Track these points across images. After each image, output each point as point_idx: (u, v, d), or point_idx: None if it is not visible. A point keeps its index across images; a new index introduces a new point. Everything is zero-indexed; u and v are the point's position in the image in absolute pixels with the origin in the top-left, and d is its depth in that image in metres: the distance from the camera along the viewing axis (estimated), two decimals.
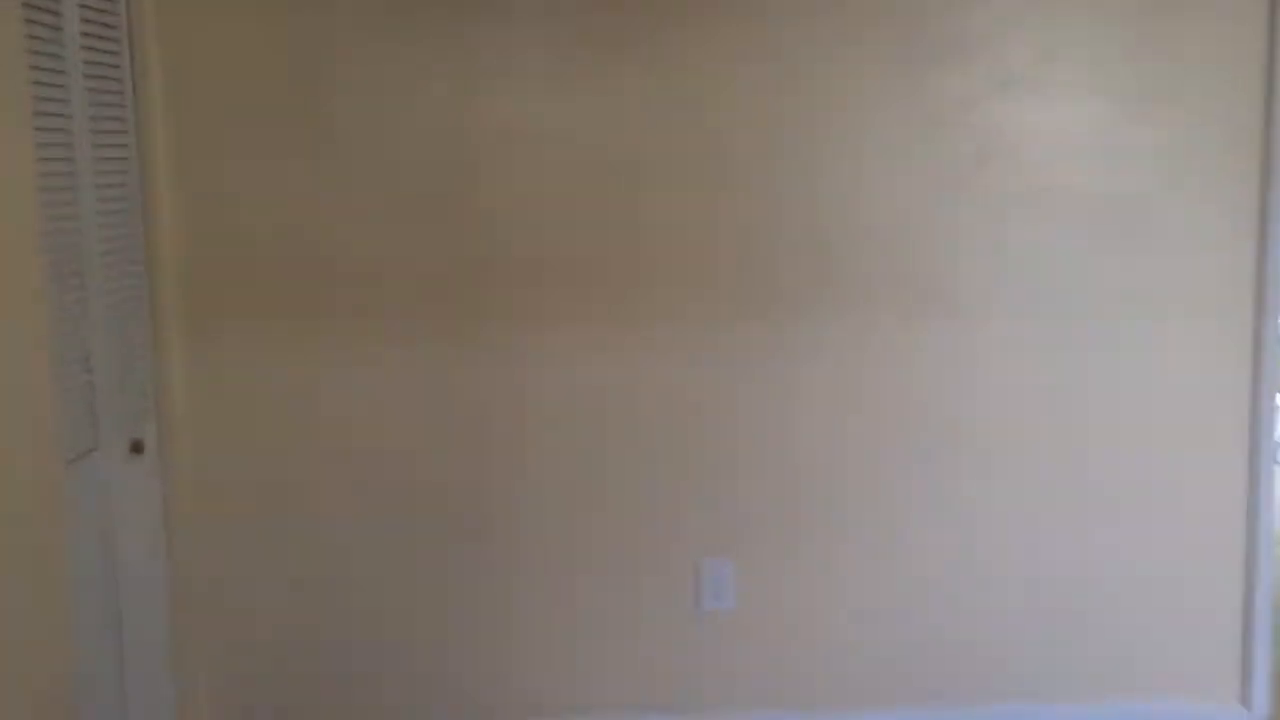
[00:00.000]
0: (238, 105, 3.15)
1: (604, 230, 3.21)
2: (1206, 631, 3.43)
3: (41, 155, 2.54)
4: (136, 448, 3.03)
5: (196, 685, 3.31)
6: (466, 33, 3.13)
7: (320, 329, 3.23)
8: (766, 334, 3.26)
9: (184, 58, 3.12)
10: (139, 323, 3.06)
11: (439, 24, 3.13)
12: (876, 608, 3.37)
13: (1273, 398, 3.37)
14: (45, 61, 2.59)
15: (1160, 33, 3.20)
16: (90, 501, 2.80)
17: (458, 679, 3.35)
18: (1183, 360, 3.32)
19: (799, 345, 3.27)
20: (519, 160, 3.19)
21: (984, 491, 3.34)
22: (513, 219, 3.21)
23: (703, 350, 3.26)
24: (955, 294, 3.27)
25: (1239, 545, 3.39)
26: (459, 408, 3.26)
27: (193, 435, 3.25)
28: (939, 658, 3.40)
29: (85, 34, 2.77)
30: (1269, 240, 3.27)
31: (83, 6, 2.76)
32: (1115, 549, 3.38)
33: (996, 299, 3.27)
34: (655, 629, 3.36)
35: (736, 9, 3.15)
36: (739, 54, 3.17)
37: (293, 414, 3.26)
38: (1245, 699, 3.45)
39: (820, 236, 3.23)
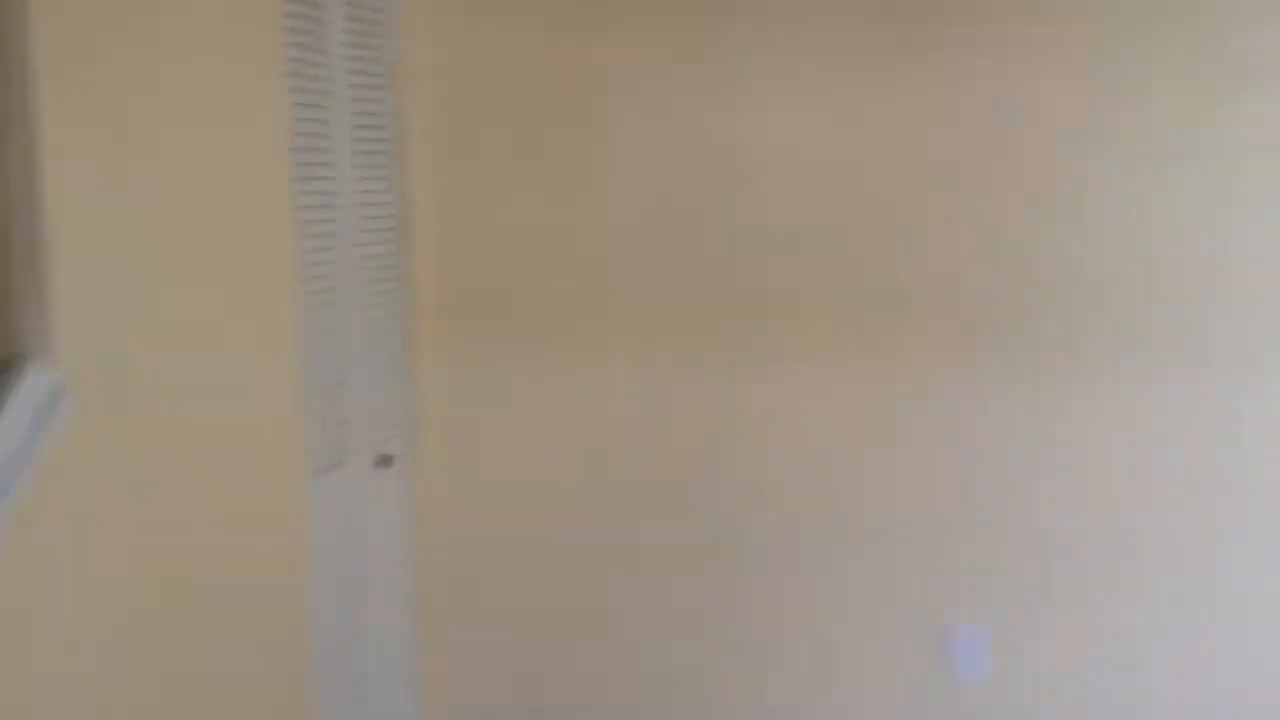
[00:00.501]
0: (494, 127, 3.16)
1: (868, 255, 3.01)
2: None
3: (302, 175, 2.63)
4: (384, 462, 3.09)
5: (437, 691, 3.34)
6: (729, 48, 3.02)
7: (568, 348, 3.20)
8: (1032, 382, 2.95)
9: (446, 82, 3.16)
10: (391, 341, 3.12)
11: (700, 43, 3.03)
12: (1146, 683, 2.99)
13: None
14: (309, 84, 2.67)
15: None
16: (337, 512, 2.86)
17: (705, 713, 3.23)
18: None
19: (1069, 394, 2.94)
20: (777, 179, 3.03)
21: (1254, 562, 2.89)
22: (769, 239, 3.05)
23: (966, 395, 2.99)
24: (1250, 347, 2.85)
25: None
26: (701, 435, 3.14)
27: (441, 451, 3.29)
28: None
29: (351, 56, 2.85)
30: None
31: (350, 28, 2.84)
32: None
33: None
34: (901, 698, 3.11)
35: (1041, 8, 2.86)
36: (1041, 67, 2.87)
37: (540, 433, 3.25)
38: None
39: (1100, 273, 2.89)
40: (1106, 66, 2.85)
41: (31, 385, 1.79)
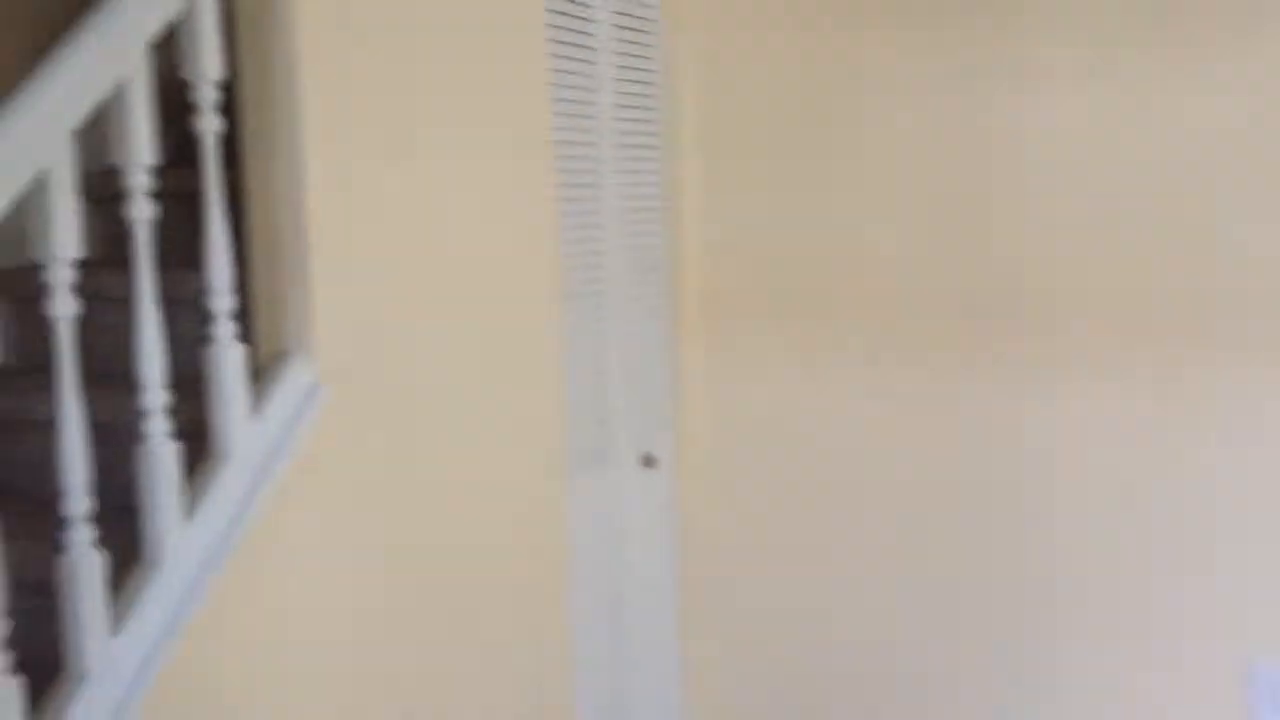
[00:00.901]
0: (757, 125, 3.07)
1: (1166, 256, 2.72)
2: None
3: (567, 172, 2.64)
4: (648, 462, 3.07)
5: (702, 694, 3.30)
6: (1012, 34, 2.81)
7: (835, 355, 3.07)
8: None
9: (710, 80, 3.10)
10: (656, 343, 3.10)
11: (974, 29, 2.83)
12: None
13: None
14: (573, 80, 2.67)
15: None
16: (598, 511, 2.87)
17: None
18: None
19: None
20: (1061, 172, 2.79)
21: None
22: (1052, 238, 2.82)
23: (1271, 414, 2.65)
24: None
25: None
26: (975, 448, 2.94)
27: (705, 453, 3.24)
28: None
29: (619, 53, 2.84)
30: None
31: (617, 30, 2.83)
32: None
33: None
34: None
35: None
36: None
37: (805, 439, 3.14)
38: None
39: None
40: None
41: (293, 380, 1.87)
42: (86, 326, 2.09)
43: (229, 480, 1.75)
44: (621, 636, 2.99)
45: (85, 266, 2.10)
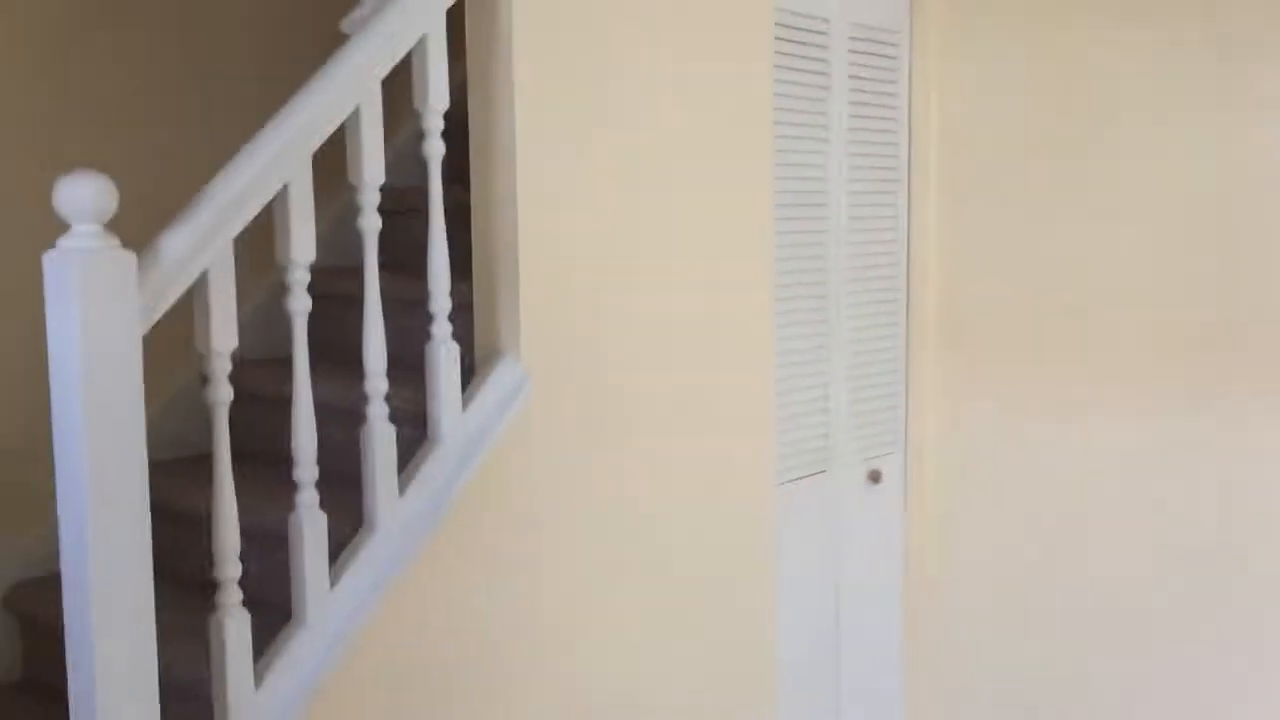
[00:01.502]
0: (998, 152, 3.06)
1: None
2: None
3: (793, 189, 2.75)
4: (875, 478, 3.12)
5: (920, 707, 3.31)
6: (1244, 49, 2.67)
7: (1072, 385, 3.00)
8: None
9: (960, 100, 3.11)
10: (888, 362, 3.14)
11: (1217, 50, 2.71)
12: None
13: None
14: (805, 91, 2.78)
15: None
16: (817, 521, 2.95)
17: None
18: None
19: None
20: None
21: None
22: None
23: None
24: None
25: None
26: (1228, 480, 2.80)
27: (936, 473, 3.24)
28: None
29: (852, 77, 2.92)
30: None
31: (854, 57, 2.91)
32: None
33: None
34: None
35: None
36: None
37: (1037, 469, 3.06)
38: None
39: None
40: None
41: (500, 377, 2.08)
42: (345, 320, 2.40)
43: (438, 461, 1.98)
44: (836, 647, 3.05)
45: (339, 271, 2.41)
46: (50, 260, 1.53)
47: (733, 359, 2.59)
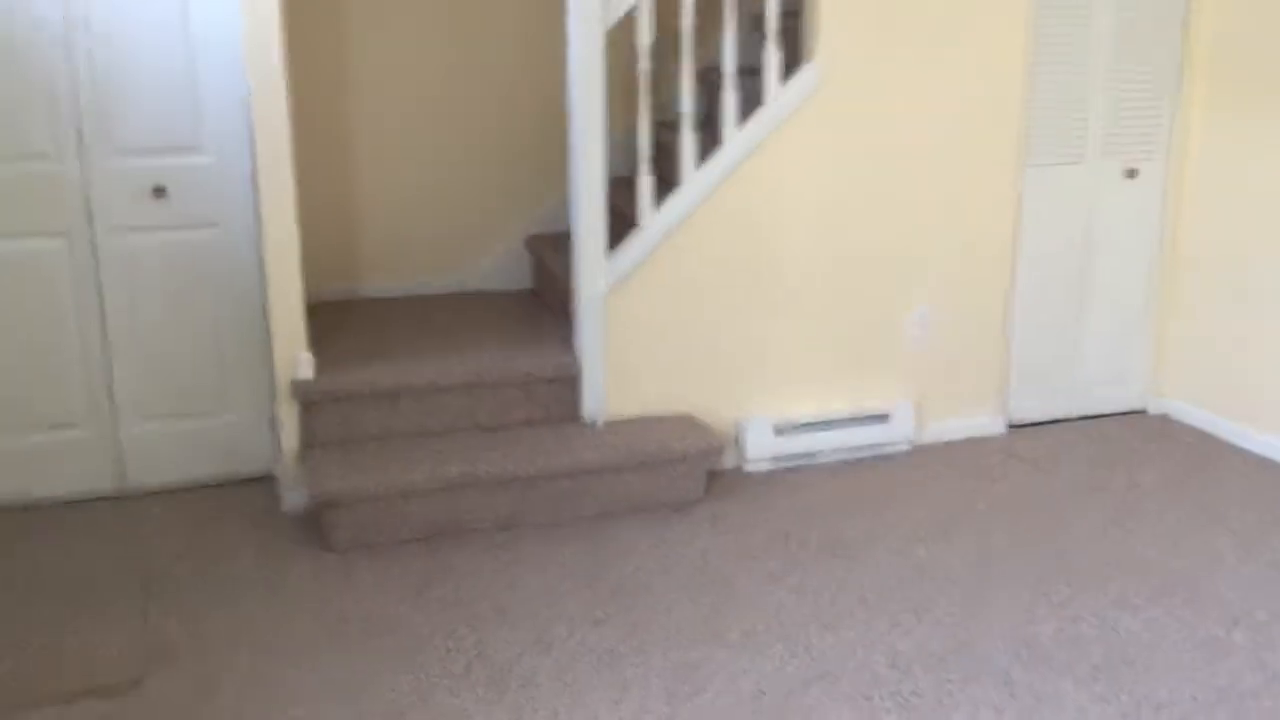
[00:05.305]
0: None
1: None
2: None
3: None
4: (1130, 174, 4.11)
5: (1169, 360, 4.32)
6: None
7: None
8: None
9: None
10: (1158, 73, 3.99)
11: None
12: None
13: None
14: None
15: None
16: (1066, 202, 4.03)
17: None
18: None
19: None
20: None
21: None
22: None
23: None
24: None
25: None
26: None
27: (1195, 172, 4.07)
28: None
29: None
30: None
31: None
32: None
33: None
34: None
35: None
36: None
37: None
38: None
39: None
40: None
41: (805, 71, 3.58)
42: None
43: (765, 112, 3.58)
44: (1083, 310, 4.15)
45: None
46: None
47: (987, 50, 3.74)
